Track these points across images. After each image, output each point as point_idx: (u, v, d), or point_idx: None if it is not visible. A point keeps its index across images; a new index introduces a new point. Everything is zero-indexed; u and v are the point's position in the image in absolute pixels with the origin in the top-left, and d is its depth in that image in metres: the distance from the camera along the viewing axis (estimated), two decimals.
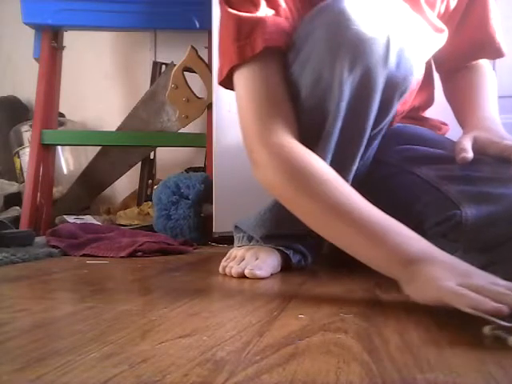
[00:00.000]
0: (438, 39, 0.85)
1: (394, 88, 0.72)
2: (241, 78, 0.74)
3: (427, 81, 0.95)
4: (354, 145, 0.74)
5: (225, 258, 0.86)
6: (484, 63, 0.95)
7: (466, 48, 0.92)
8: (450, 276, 0.50)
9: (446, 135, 0.97)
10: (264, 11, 0.73)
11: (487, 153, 0.76)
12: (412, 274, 0.53)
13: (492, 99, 0.89)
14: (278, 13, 0.74)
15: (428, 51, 0.87)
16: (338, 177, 0.65)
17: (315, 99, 0.72)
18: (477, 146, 0.76)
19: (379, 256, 0.58)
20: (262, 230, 0.85)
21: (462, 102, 0.91)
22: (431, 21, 0.83)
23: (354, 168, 0.76)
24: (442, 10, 0.86)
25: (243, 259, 0.82)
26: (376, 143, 0.81)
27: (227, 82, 0.78)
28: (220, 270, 0.82)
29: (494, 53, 0.94)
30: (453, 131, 0.96)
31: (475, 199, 0.71)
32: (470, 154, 0.74)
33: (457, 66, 0.95)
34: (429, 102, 1.00)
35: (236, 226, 0.93)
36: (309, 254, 0.87)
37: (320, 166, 0.67)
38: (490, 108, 0.87)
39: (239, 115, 0.75)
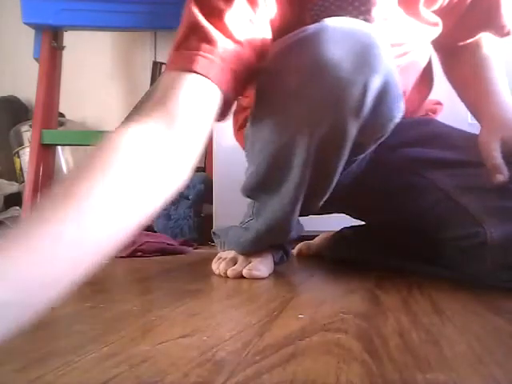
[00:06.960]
0: (432, 32, 0.81)
1: (368, 136, 0.67)
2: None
3: (426, 75, 0.89)
4: (320, 186, 0.70)
5: (215, 260, 0.84)
6: (486, 40, 0.86)
7: (469, 23, 0.84)
8: None
9: (440, 114, 0.94)
10: (231, 19, 0.59)
11: None
12: None
13: (501, 78, 0.82)
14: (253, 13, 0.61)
15: (425, 48, 0.84)
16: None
17: (277, 146, 0.66)
18: (505, 151, 0.71)
19: None
20: (245, 249, 0.80)
21: (470, 88, 0.85)
22: (426, 19, 0.78)
23: (327, 194, 0.71)
24: (445, 3, 0.79)
25: (236, 262, 0.79)
26: (361, 157, 0.74)
27: None
28: (214, 268, 0.82)
29: (499, 29, 0.84)
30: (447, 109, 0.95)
31: (499, 216, 0.66)
32: (505, 175, 0.68)
33: (456, 42, 0.87)
34: (427, 95, 0.93)
35: (214, 233, 0.93)
36: (289, 249, 0.87)
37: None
38: (502, 90, 0.80)
39: None
